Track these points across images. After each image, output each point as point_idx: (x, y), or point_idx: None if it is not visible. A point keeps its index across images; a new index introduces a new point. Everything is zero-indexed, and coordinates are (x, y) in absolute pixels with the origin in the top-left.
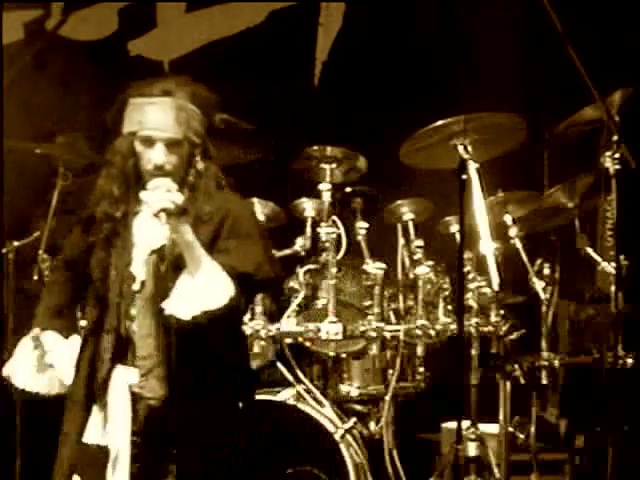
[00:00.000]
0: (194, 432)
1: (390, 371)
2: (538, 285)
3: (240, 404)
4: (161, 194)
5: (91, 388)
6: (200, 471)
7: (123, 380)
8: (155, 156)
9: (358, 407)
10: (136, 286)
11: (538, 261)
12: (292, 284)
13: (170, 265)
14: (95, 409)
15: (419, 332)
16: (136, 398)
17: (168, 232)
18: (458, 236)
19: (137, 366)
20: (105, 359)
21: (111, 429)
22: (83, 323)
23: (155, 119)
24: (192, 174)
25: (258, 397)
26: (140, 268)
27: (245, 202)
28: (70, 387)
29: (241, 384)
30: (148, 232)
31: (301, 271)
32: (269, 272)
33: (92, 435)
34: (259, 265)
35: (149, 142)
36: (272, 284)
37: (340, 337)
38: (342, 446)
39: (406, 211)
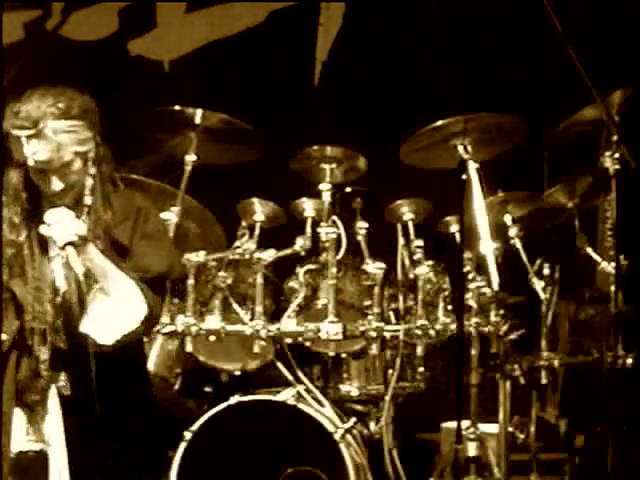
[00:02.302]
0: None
1: (390, 371)
2: (538, 285)
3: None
4: (62, 227)
5: (22, 400)
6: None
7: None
8: (52, 186)
9: (358, 407)
10: (59, 298)
11: (538, 261)
12: (292, 284)
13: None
14: (17, 417)
15: (419, 332)
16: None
17: (79, 264)
18: (458, 236)
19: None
20: (43, 370)
21: (47, 432)
22: (4, 337)
23: (38, 152)
24: (87, 181)
25: (258, 397)
26: (61, 280)
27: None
28: None
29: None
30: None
31: (301, 271)
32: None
33: (20, 442)
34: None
35: (41, 172)
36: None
37: (340, 337)
38: (342, 446)
39: (406, 211)
